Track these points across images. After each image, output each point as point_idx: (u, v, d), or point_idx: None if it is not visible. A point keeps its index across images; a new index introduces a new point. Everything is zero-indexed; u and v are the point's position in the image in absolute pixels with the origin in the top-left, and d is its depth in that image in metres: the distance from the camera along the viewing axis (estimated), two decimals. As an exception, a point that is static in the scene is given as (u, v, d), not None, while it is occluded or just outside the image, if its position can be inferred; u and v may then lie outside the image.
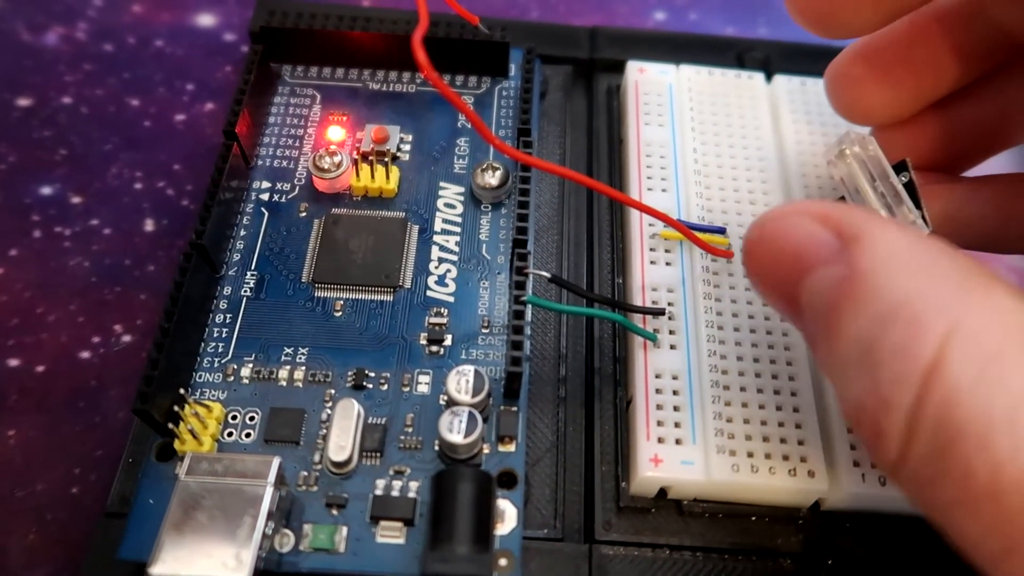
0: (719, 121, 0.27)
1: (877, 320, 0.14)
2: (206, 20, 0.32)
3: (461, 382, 0.21)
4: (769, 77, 0.28)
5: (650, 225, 0.24)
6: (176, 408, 0.20)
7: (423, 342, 0.23)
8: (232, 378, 0.22)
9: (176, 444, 0.20)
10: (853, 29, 0.20)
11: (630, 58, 0.28)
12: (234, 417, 0.21)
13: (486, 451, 0.21)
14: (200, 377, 0.22)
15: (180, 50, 0.31)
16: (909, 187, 0.21)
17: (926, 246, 0.15)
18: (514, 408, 0.21)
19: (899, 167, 0.21)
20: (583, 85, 0.30)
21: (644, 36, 0.30)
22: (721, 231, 0.24)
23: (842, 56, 0.22)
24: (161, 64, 0.31)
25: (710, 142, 0.26)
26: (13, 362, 0.24)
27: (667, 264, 0.23)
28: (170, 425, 0.20)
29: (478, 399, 0.21)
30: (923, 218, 0.20)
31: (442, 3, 0.25)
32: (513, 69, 0.28)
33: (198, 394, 0.21)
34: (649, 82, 0.27)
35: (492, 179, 0.25)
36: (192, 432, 0.20)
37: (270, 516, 0.18)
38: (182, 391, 0.20)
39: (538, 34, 0.29)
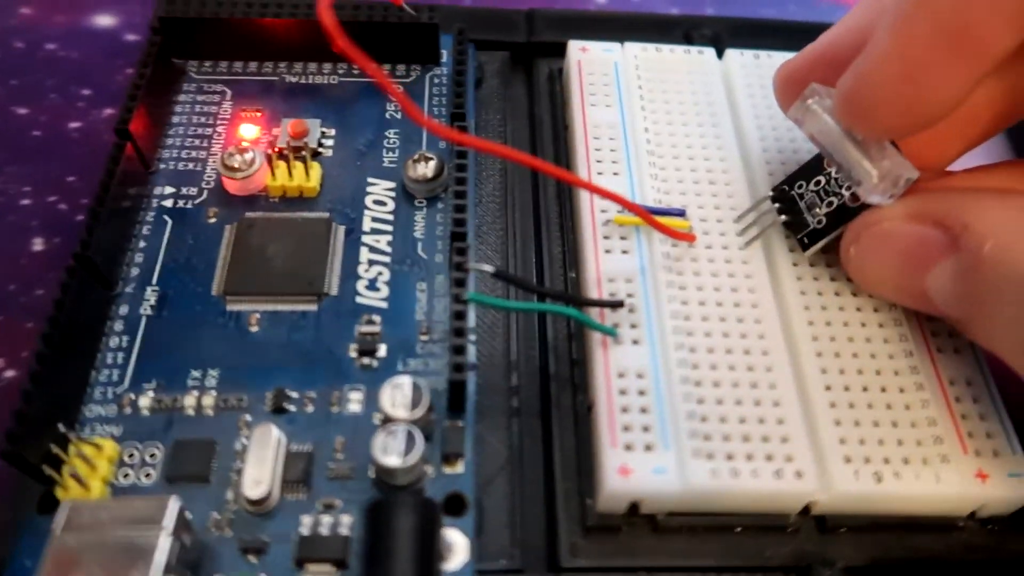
0: (671, 99, 0.24)
1: None
2: (105, 20, 0.29)
3: (396, 396, 0.18)
4: (720, 53, 0.26)
5: (603, 211, 0.22)
6: (57, 450, 0.17)
7: (353, 354, 0.20)
8: (129, 410, 0.19)
9: (59, 492, 0.17)
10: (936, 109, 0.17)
11: (570, 40, 0.26)
12: (131, 455, 0.18)
13: (429, 474, 0.18)
14: (90, 411, 0.19)
15: (75, 53, 0.28)
16: None
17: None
18: (460, 423, 0.19)
19: None
20: (522, 71, 0.27)
21: (585, 16, 0.28)
22: (681, 213, 0.22)
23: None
24: (53, 69, 0.28)
25: (662, 121, 0.24)
26: None
27: (623, 252, 0.21)
28: (49, 471, 0.17)
29: (417, 414, 0.18)
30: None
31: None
32: (445, 55, 0.26)
33: (88, 431, 0.18)
34: (593, 61, 0.25)
35: (426, 170, 0.23)
36: (77, 477, 0.17)
37: (168, 570, 0.15)
38: (63, 429, 0.17)
39: (471, 18, 0.27)
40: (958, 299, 0.17)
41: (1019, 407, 0.19)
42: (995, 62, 0.16)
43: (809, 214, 0.20)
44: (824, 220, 0.20)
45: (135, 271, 0.21)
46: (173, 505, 0.15)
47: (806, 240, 0.21)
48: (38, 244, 0.24)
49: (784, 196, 0.21)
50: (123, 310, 0.20)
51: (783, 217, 0.21)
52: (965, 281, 0.17)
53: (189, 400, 0.19)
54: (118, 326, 0.20)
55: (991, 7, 0.15)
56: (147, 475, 0.18)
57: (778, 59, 0.25)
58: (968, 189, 0.18)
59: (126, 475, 0.18)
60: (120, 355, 0.19)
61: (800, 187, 0.21)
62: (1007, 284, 0.16)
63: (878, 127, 0.18)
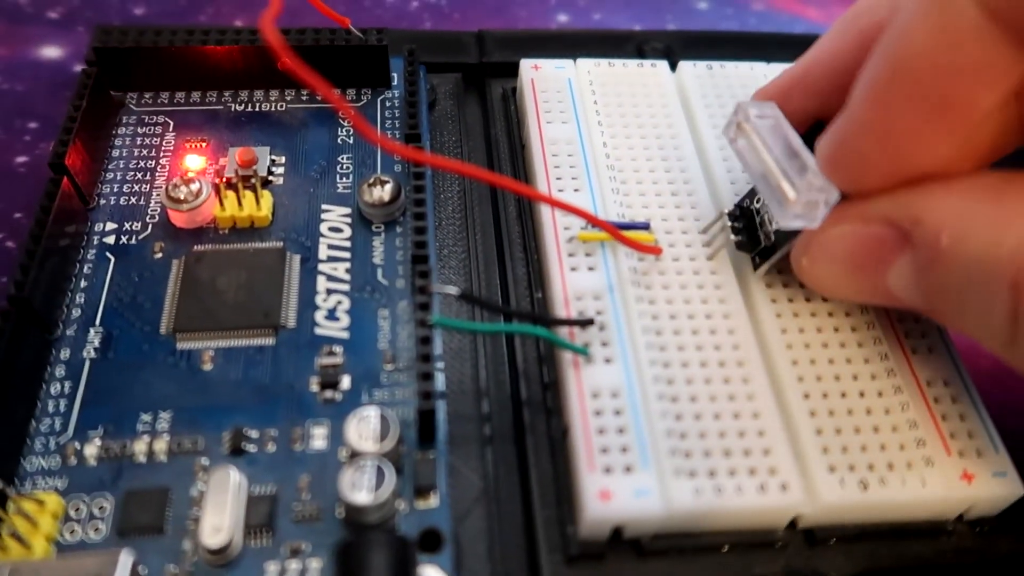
0: (627, 112, 0.24)
1: (996, 290, 0.14)
2: (51, 52, 0.28)
3: (363, 428, 0.17)
4: (673, 66, 0.26)
5: (566, 228, 0.21)
6: (-6, 507, 0.16)
7: (315, 388, 0.19)
8: (74, 460, 0.17)
9: (-3, 553, 0.16)
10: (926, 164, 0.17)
11: (522, 59, 0.26)
12: (78, 509, 0.17)
13: (402, 510, 0.17)
14: (31, 464, 0.17)
15: (20, 85, 0.27)
16: None
17: (981, 184, 0.15)
18: (431, 454, 0.18)
19: (814, 128, 0.19)
20: (475, 92, 0.27)
21: (535, 36, 0.28)
22: (646, 227, 0.21)
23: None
24: (-3, 102, 0.27)
25: (620, 135, 0.24)
26: None
27: (590, 269, 0.20)
28: (-14, 530, 0.15)
29: (386, 446, 0.17)
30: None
31: (311, 17, 0.22)
32: (396, 78, 0.25)
33: (28, 485, 0.17)
34: (546, 79, 0.25)
35: (382, 194, 0.22)
36: (17, 536, 0.15)
37: (121, 632, 0.14)
38: (0, 485, 0.16)
39: (420, 40, 0.26)
40: (924, 294, 0.16)
41: (996, 403, 0.19)
42: (981, 122, 0.15)
43: (761, 231, 0.20)
44: (773, 237, 0.19)
45: (76, 312, 0.20)
46: (125, 559, 0.14)
47: (757, 259, 0.20)
48: (-18, 284, 0.23)
49: (744, 211, 0.20)
50: (64, 354, 0.19)
51: (735, 237, 0.20)
52: (927, 276, 0.16)
53: (139, 446, 0.18)
54: (59, 371, 0.19)
55: (976, 76, 0.15)
56: (96, 529, 0.17)
57: (731, 69, 0.26)
58: (911, 181, 0.16)
59: (72, 531, 0.16)
60: (63, 402, 0.18)
61: (759, 201, 0.20)
62: (970, 273, 0.15)
63: (862, 188, 0.17)
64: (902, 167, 0.16)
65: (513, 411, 0.20)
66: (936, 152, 0.16)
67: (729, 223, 0.20)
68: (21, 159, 0.25)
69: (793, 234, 0.19)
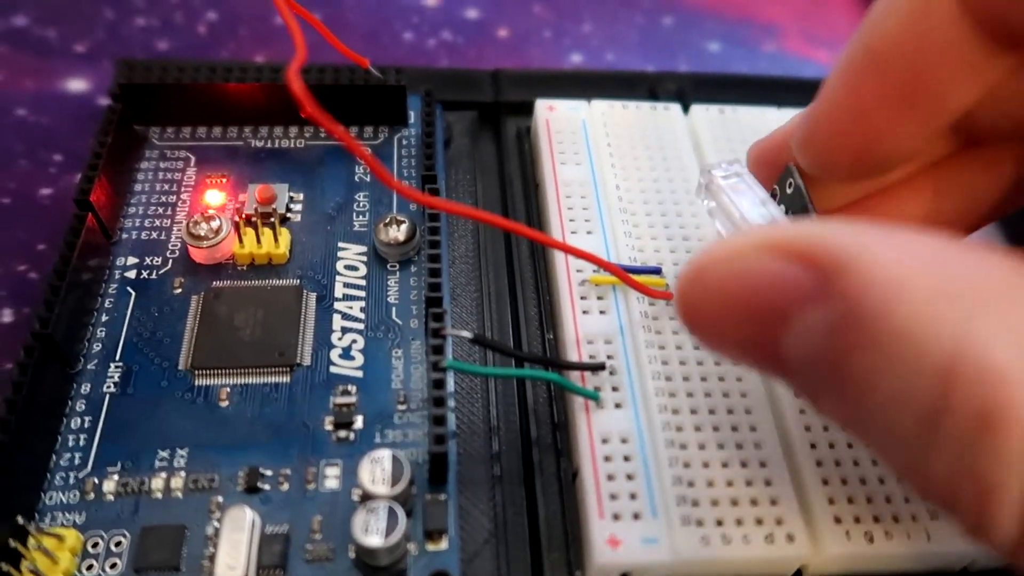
0: (639, 155, 0.25)
1: (922, 374, 0.11)
2: (77, 85, 0.29)
3: (376, 471, 0.17)
4: (686, 108, 0.26)
5: (578, 271, 0.22)
6: (15, 543, 0.16)
7: (329, 427, 0.19)
8: (92, 495, 0.18)
9: (17, 589, 0.16)
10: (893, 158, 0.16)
11: (537, 98, 0.26)
12: (95, 545, 0.17)
13: (412, 552, 0.17)
14: (51, 498, 0.18)
15: (46, 118, 0.28)
16: (795, 195, 0.18)
17: (932, 250, 0.12)
18: (442, 496, 0.18)
19: (784, 176, 0.19)
20: (490, 130, 0.27)
21: (550, 75, 0.28)
22: (657, 271, 0.22)
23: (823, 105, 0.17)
24: (23, 134, 0.27)
25: (632, 177, 0.24)
26: None
27: (601, 312, 0.21)
28: (7, 567, 0.16)
29: (398, 489, 0.17)
30: None
31: (330, 52, 0.22)
32: (412, 116, 0.26)
33: (47, 520, 0.17)
34: (560, 120, 0.25)
35: (398, 234, 0.22)
36: (36, 572, 0.16)
37: (138, 673, 0.14)
38: (21, 520, 0.16)
39: (437, 79, 0.27)
40: (824, 366, 0.12)
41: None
42: (952, 117, 0.15)
43: None
44: None
45: (97, 347, 0.20)
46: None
47: None
48: (7, 315, 0.23)
49: None
50: (85, 388, 0.19)
51: None
52: (836, 340, 0.12)
53: (157, 482, 0.18)
54: (80, 406, 0.19)
55: (947, 70, 0.14)
56: (112, 565, 0.17)
57: (743, 113, 0.26)
58: (846, 219, 0.15)
59: (90, 566, 0.17)
60: (82, 436, 0.19)
61: None
62: (898, 349, 0.11)
63: (832, 171, 0.17)
64: (871, 150, 0.16)
65: (523, 451, 0.20)
66: (905, 140, 0.15)
67: None
68: (46, 191, 0.26)
69: None
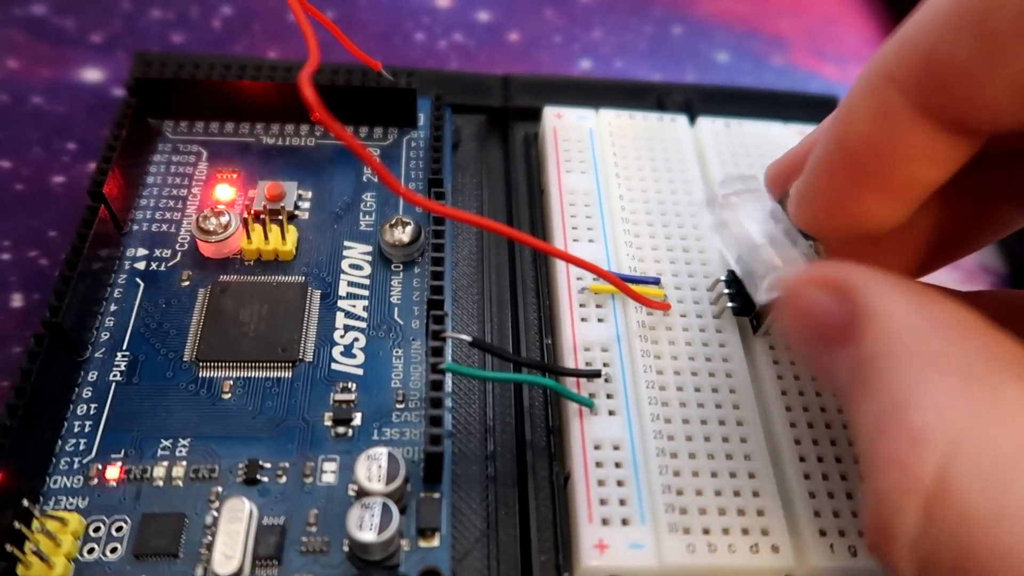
0: (644, 166, 0.25)
1: (880, 420, 0.13)
2: (92, 75, 0.29)
3: (372, 468, 0.18)
4: (692, 120, 0.27)
5: (578, 279, 0.22)
6: (19, 525, 0.16)
7: (328, 423, 0.20)
8: (96, 481, 0.18)
9: (20, 570, 0.16)
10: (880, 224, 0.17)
11: (546, 105, 0.26)
12: (96, 529, 0.18)
13: (405, 548, 0.18)
14: (56, 482, 0.18)
15: (61, 107, 0.28)
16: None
17: (932, 320, 0.14)
18: (436, 494, 0.19)
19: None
20: (498, 135, 0.28)
21: (559, 82, 0.29)
22: (656, 282, 0.22)
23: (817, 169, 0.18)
24: (38, 122, 0.27)
25: (636, 188, 0.24)
26: None
27: (599, 320, 0.21)
28: (11, 548, 0.16)
29: (393, 487, 0.18)
30: (815, 251, 0.18)
31: (342, 51, 0.23)
32: (422, 119, 0.26)
33: (52, 503, 0.18)
34: (568, 128, 0.26)
35: (403, 235, 0.23)
36: (39, 554, 0.16)
37: (134, 656, 0.15)
38: (27, 503, 0.17)
39: (448, 82, 0.27)
40: (844, 393, 0.15)
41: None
42: (928, 193, 0.16)
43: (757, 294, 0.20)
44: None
45: (105, 335, 0.21)
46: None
47: (755, 322, 0.21)
48: (17, 300, 0.24)
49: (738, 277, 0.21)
50: (92, 376, 0.20)
51: (731, 304, 0.21)
52: (850, 377, 0.14)
53: (159, 471, 0.18)
54: (86, 393, 0.19)
55: (913, 159, 0.15)
56: (113, 550, 0.17)
57: (748, 127, 0.26)
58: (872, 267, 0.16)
59: (91, 550, 0.17)
60: (88, 423, 0.19)
61: None
62: (874, 390, 0.13)
63: (828, 240, 0.18)
64: (857, 226, 0.17)
65: (516, 453, 0.21)
66: (888, 216, 0.16)
67: (726, 290, 0.21)
68: (59, 179, 0.26)
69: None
